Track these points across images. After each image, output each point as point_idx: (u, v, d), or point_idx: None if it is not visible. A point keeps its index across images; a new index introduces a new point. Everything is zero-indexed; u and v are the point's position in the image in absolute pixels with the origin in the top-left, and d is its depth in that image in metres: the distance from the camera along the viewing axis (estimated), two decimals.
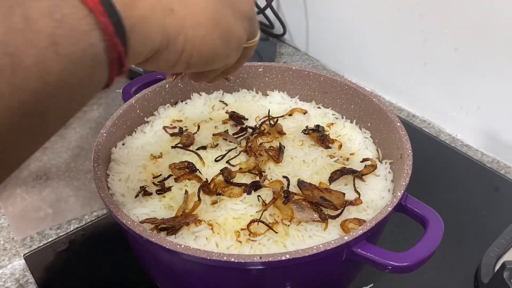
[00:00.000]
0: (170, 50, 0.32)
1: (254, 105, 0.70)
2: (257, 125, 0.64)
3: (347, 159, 0.59)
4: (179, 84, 0.69)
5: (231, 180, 0.54)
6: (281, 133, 0.63)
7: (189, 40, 0.32)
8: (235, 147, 0.60)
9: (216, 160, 0.58)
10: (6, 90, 0.23)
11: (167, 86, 0.67)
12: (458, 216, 0.73)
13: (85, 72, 0.26)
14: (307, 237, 0.48)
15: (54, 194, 0.75)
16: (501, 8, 0.75)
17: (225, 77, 0.47)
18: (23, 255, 0.66)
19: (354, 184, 0.55)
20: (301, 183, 0.53)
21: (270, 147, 0.60)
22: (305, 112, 0.68)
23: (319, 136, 0.62)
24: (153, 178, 0.55)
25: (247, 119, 0.67)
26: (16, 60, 0.23)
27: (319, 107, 0.70)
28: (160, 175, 0.56)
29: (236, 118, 0.66)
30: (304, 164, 0.58)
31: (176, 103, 0.69)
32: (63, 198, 0.75)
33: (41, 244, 0.68)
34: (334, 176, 0.55)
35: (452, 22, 0.83)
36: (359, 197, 0.53)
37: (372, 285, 0.62)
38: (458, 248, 0.68)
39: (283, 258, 0.41)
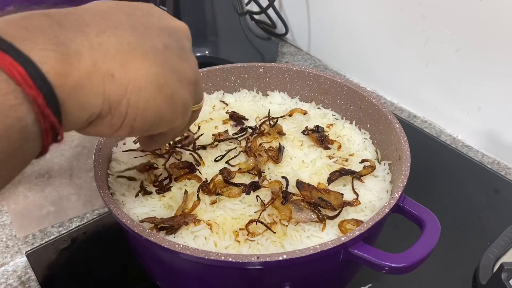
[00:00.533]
0: (113, 115, 0.32)
1: (254, 105, 0.71)
2: (257, 126, 0.65)
3: (346, 160, 0.60)
4: None
5: (230, 180, 0.55)
6: (281, 133, 0.63)
7: (133, 105, 0.32)
8: (235, 147, 0.61)
9: (215, 160, 0.59)
10: None
11: None
12: (457, 217, 0.73)
13: (13, 146, 0.26)
14: (305, 238, 0.49)
15: (56, 192, 0.76)
16: (502, 9, 0.75)
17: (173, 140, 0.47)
18: (25, 253, 0.67)
19: (352, 185, 0.55)
20: (299, 184, 0.53)
21: (270, 147, 0.60)
22: (305, 113, 0.68)
23: (318, 136, 0.62)
24: (153, 177, 0.56)
25: (247, 119, 0.67)
26: None
27: (319, 108, 0.71)
28: (161, 174, 0.56)
29: (236, 118, 0.66)
30: (303, 164, 0.59)
31: None
32: (65, 196, 0.76)
33: (43, 241, 0.69)
34: (333, 177, 0.55)
35: (454, 23, 0.83)
36: (358, 198, 0.54)
37: (370, 285, 0.62)
38: (457, 249, 0.68)
39: (280, 258, 0.41)
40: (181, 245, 0.42)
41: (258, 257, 0.41)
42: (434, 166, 0.84)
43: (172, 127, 0.37)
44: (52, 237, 0.70)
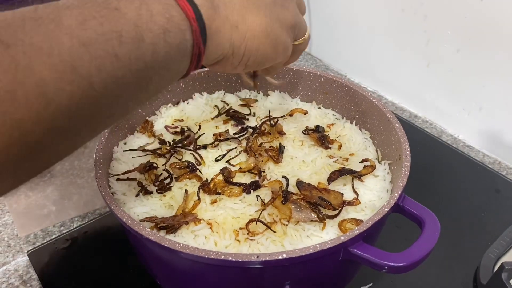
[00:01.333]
0: (234, 55, 0.42)
1: (255, 105, 0.71)
2: (258, 125, 0.65)
3: (347, 160, 0.60)
4: (181, 84, 0.69)
5: (231, 180, 0.55)
6: (281, 133, 0.63)
7: (249, 48, 0.42)
8: (235, 147, 0.61)
9: (216, 160, 0.59)
10: (133, 55, 0.31)
11: (169, 86, 0.68)
12: (458, 217, 0.73)
13: (178, 58, 0.36)
14: (305, 237, 0.49)
15: (57, 192, 0.76)
16: (503, 9, 0.75)
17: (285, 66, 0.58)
18: (27, 252, 0.67)
19: (352, 185, 0.55)
20: (299, 184, 0.53)
21: (270, 147, 0.60)
22: (305, 113, 0.68)
23: (319, 136, 0.62)
24: (154, 177, 0.56)
25: (248, 119, 0.67)
26: (140, 37, 0.32)
27: (319, 108, 0.71)
28: (161, 174, 0.56)
29: (237, 118, 0.67)
30: (303, 164, 0.59)
31: (178, 102, 0.70)
32: (66, 196, 0.76)
33: (45, 241, 0.69)
34: (333, 177, 0.55)
35: (455, 23, 0.83)
36: (358, 197, 0.54)
37: (371, 284, 0.62)
38: (458, 248, 0.68)
39: (280, 257, 0.42)
40: (181, 244, 0.42)
41: (258, 256, 0.41)
42: (435, 166, 0.84)
43: (275, 62, 0.46)
44: (54, 236, 0.70)
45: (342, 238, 0.43)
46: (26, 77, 0.26)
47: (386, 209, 0.46)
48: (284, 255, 0.42)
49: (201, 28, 0.36)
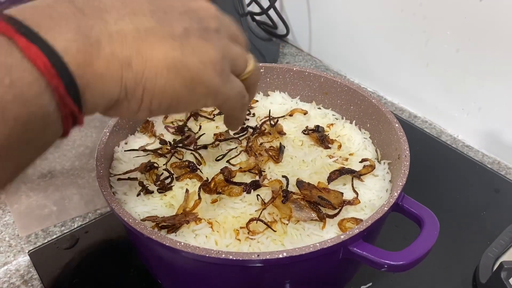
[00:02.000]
0: (129, 100, 0.33)
1: (255, 105, 0.71)
2: (258, 125, 0.65)
3: (346, 159, 0.60)
4: None
5: (231, 179, 0.55)
6: (281, 133, 0.64)
7: (148, 90, 0.33)
8: (236, 147, 0.61)
9: (216, 160, 0.59)
10: None
11: None
12: (457, 216, 0.73)
13: (35, 131, 0.28)
14: (305, 236, 0.49)
15: (58, 192, 0.77)
16: (502, 9, 0.75)
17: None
18: (28, 252, 0.67)
19: (352, 184, 0.55)
20: (299, 183, 0.54)
21: (270, 147, 0.61)
22: (305, 113, 0.68)
23: (318, 136, 0.62)
24: (154, 177, 0.56)
25: (248, 119, 0.67)
26: None
27: (319, 108, 0.71)
28: (162, 174, 0.57)
29: None
30: (303, 164, 0.59)
31: None
32: (67, 196, 0.76)
33: (46, 241, 0.69)
34: (333, 176, 0.56)
35: (454, 23, 0.83)
36: (357, 197, 0.54)
37: (370, 284, 0.62)
38: (457, 248, 0.68)
39: (281, 256, 0.42)
40: (182, 243, 0.42)
41: (258, 255, 0.42)
42: (434, 166, 0.84)
43: (198, 107, 0.38)
44: (55, 236, 0.70)
45: (342, 237, 0.44)
46: None
47: (385, 208, 0.47)
48: (285, 254, 0.42)
49: (67, 83, 0.28)
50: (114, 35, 0.30)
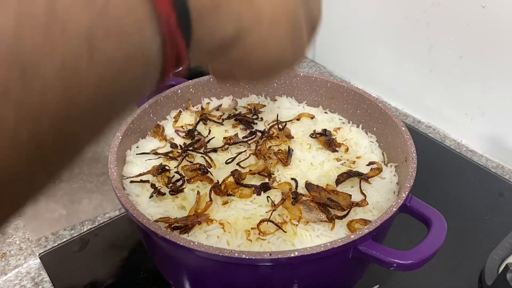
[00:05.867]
0: (239, 45, 0.26)
1: (263, 110, 0.72)
2: (266, 129, 0.66)
3: (354, 162, 0.61)
4: (191, 90, 0.71)
5: (241, 182, 0.56)
6: (289, 136, 0.65)
7: (263, 38, 0.26)
8: (245, 150, 0.62)
9: (226, 163, 0.60)
10: (12, 117, 0.17)
11: (179, 91, 0.69)
12: (462, 220, 0.74)
13: (128, 80, 0.20)
14: (314, 237, 0.50)
15: (67, 196, 0.78)
16: (504, 16, 0.77)
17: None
18: (39, 255, 0.68)
19: (360, 186, 0.56)
20: (309, 185, 0.55)
21: (279, 150, 0.62)
22: (312, 117, 0.70)
23: (326, 140, 0.63)
24: (166, 179, 0.57)
25: (256, 123, 0.69)
26: (28, 73, 0.16)
27: (326, 112, 0.72)
28: (174, 176, 0.58)
29: (245, 122, 0.68)
30: (311, 166, 0.60)
31: (187, 108, 0.71)
32: (76, 200, 0.77)
33: (56, 244, 0.70)
34: (341, 179, 0.57)
35: (457, 30, 0.85)
36: (365, 198, 0.55)
37: (377, 286, 0.63)
38: (463, 250, 0.69)
39: (292, 255, 0.43)
40: (196, 243, 0.43)
41: (270, 254, 0.43)
42: (439, 170, 0.85)
43: (284, 70, 0.31)
44: (65, 239, 0.71)
45: (352, 236, 0.45)
46: None
47: (394, 209, 0.48)
48: (296, 253, 0.43)
49: (179, 13, 0.20)
50: None
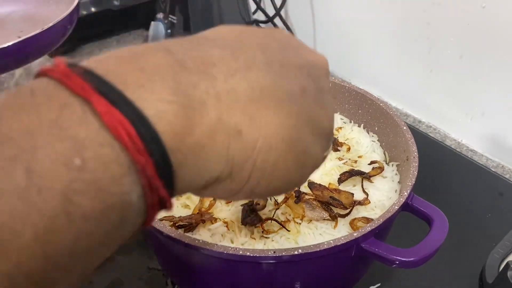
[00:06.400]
0: (233, 178, 0.25)
1: None
2: None
3: (355, 162, 0.62)
4: None
5: None
6: None
7: (258, 167, 0.25)
8: None
9: None
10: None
11: None
12: (463, 219, 0.75)
13: (109, 229, 0.20)
14: (317, 235, 0.51)
15: None
16: (505, 16, 0.77)
17: None
18: None
19: (362, 185, 0.57)
20: (311, 184, 0.55)
21: None
22: None
23: None
24: None
25: None
26: (7, 238, 0.17)
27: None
28: None
29: None
30: None
31: None
32: None
33: None
34: (343, 177, 0.57)
35: (457, 30, 0.85)
36: (367, 197, 0.55)
37: (379, 284, 0.64)
38: (463, 249, 0.69)
39: (296, 252, 0.43)
40: (201, 241, 0.44)
41: (274, 252, 0.43)
42: (439, 170, 0.85)
43: (296, 187, 0.30)
44: None
45: (355, 234, 0.45)
46: None
47: (396, 207, 0.48)
48: (300, 251, 0.43)
49: (158, 161, 0.20)
50: (223, 95, 0.23)
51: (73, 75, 0.20)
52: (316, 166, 0.30)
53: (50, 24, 0.71)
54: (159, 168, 0.21)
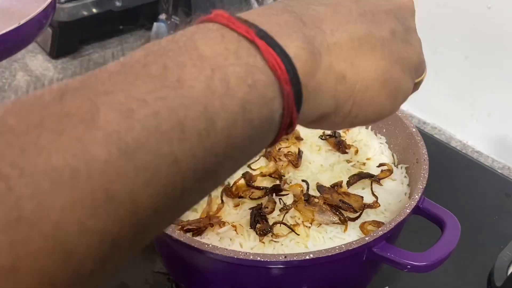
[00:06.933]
0: (337, 113, 0.31)
1: None
2: None
3: (364, 164, 0.61)
4: None
5: (252, 184, 0.56)
6: (298, 138, 0.65)
7: (357, 103, 0.31)
8: None
9: None
10: (198, 152, 0.22)
11: None
12: (470, 221, 0.74)
13: (259, 137, 0.26)
14: (327, 239, 0.50)
15: None
16: (510, 16, 0.77)
17: None
18: None
19: (371, 188, 0.56)
20: (320, 187, 0.55)
21: (289, 152, 0.62)
22: None
23: (335, 141, 0.63)
24: None
25: None
26: (210, 125, 0.23)
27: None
28: None
29: None
30: (322, 168, 0.60)
31: None
32: None
33: None
34: (352, 180, 0.57)
35: (463, 31, 0.85)
36: (377, 200, 0.55)
37: (387, 287, 0.63)
38: (471, 252, 0.69)
39: (307, 257, 0.43)
40: (210, 245, 0.43)
41: (285, 257, 0.43)
42: (445, 171, 0.84)
43: (389, 115, 0.36)
44: None
45: (367, 238, 0.45)
46: (31, 231, 0.17)
47: (407, 211, 0.48)
48: (311, 255, 0.43)
49: (295, 91, 0.26)
50: (331, 46, 0.29)
51: (237, 22, 0.26)
52: (406, 96, 0.34)
53: (27, 19, 0.68)
54: (296, 96, 0.26)
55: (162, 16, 1.03)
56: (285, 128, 0.27)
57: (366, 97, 0.31)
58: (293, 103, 0.26)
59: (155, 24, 1.02)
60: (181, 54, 0.24)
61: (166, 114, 0.21)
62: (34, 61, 1.10)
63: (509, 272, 0.64)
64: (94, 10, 1.08)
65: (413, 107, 1.01)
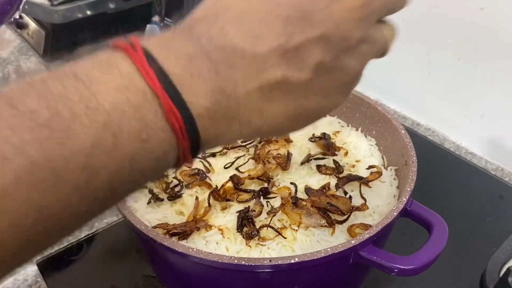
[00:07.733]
0: (241, 135, 0.31)
1: None
2: None
3: (353, 166, 0.61)
4: None
5: (240, 187, 0.56)
6: (288, 141, 0.64)
7: (262, 133, 0.31)
8: (243, 155, 0.62)
9: (225, 167, 0.60)
10: (75, 199, 0.23)
11: None
12: (463, 223, 0.74)
13: (148, 176, 0.28)
14: (315, 242, 0.50)
15: None
16: (502, 17, 0.77)
17: None
18: (36, 261, 0.67)
19: (360, 190, 0.56)
20: (308, 190, 0.54)
21: (278, 154, 0.61)
22: None
23: (325, 143, 0.63)
24: (164, 185, 0.57)
25: None
26: (93, 176, 0.24)
27: (325, 116, 0.72)
28: (172, 181, 0.57)
29: None
30: (311, 171, 0.59)
31: None
32: None
33: (53, 250, 0.69)
34: (341, 183, 0.56)
35: (456, 32, 0.84)
36: (365, 203, 0.54)
37: None
38: (463, 254, 0.68)
39: (292, 261, 0.42)
40: (195, 249, 0.43)
41: (270, 260, 0.42)
42: (438, 173, 0.84)
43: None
44: (62, 246, 0.70)
45: (353, 242, 0.44)
46: None
47: (394, 213, 0.47)
48: (296, 259, 0.42)
49: (193, 145, 0.27)
50: (241, 97, 0.28)
51: (148, 68, 0.25)
52: (330, 110, 0.33)
53: None
54: (193, 148, 0.27)
55: (155, 18, 1.03)
56: (180, 165, 0.29)
57: (274, 131, 0.31)
58: (189, 153, 0.27)
59: (148, 26, 1.02)
60: (78, 102, 0.23)
61: (42, 164, 0.22)
62: (28, 63, 1.10)
63: (501, 274, 0.63)
64: (88, 12, 1.08)
65: (406, 108, 1.01)
